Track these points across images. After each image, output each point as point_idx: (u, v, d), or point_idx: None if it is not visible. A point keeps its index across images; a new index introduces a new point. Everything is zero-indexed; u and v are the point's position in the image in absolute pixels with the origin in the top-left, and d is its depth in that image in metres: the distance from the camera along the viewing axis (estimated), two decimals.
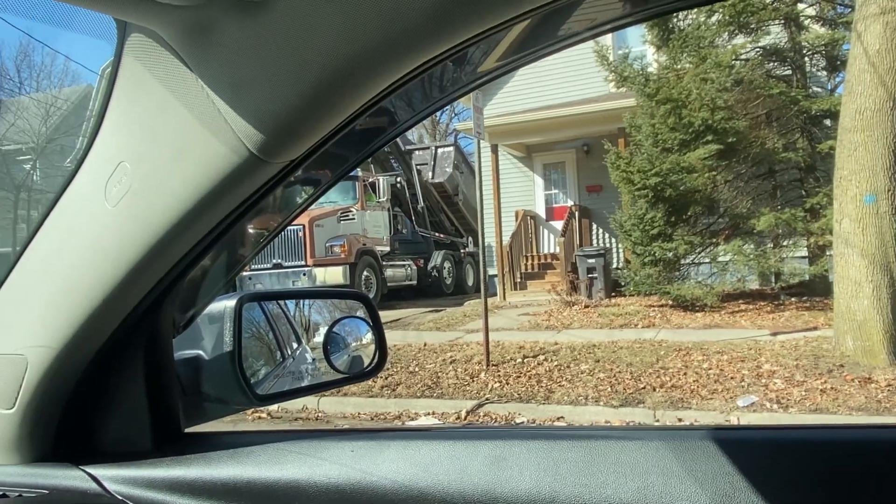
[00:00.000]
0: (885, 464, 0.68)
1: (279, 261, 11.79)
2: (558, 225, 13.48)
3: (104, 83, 0.75)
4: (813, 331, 7.83)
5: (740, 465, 0.69)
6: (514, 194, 14.17)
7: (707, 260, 10.27)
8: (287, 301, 1.23)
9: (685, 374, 6.49)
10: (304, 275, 11.69)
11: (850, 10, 9.83)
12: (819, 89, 11.05)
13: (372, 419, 6.40)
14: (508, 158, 14.33)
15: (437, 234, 16.17)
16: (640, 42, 11.71)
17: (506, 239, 12.83)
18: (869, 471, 0.67)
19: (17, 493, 0.83)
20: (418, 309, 12.12)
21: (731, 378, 6.29)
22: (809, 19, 10.81)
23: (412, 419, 6.27)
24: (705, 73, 9.45)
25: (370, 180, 13.44)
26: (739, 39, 10.19)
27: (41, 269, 0.83)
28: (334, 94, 0.63)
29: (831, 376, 6.07)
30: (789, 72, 10.75)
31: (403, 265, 14.28)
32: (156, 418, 0.89)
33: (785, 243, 10.29)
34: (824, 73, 11.22)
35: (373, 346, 1.17)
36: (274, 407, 6.37)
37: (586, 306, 10.66)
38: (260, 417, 6.29)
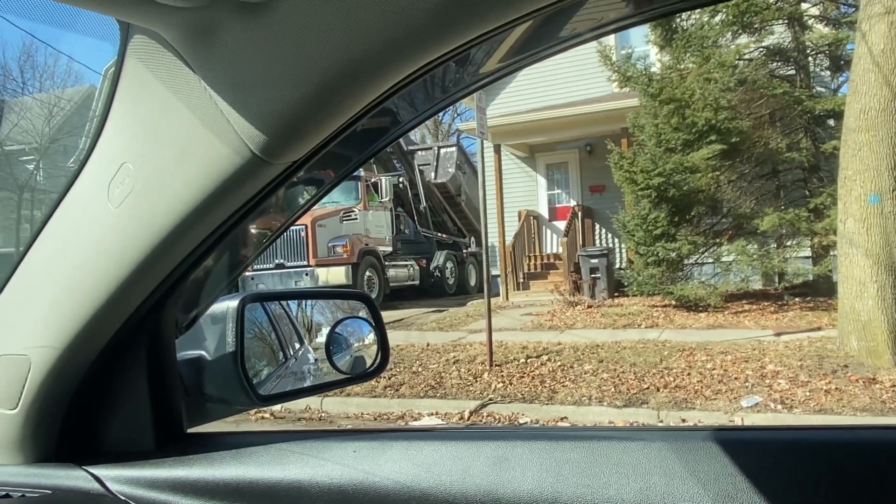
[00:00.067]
0: (889, 465, 0.67)
1: (281, 261, 11.81)
2: (561, 225, 13.47)
3: (107, 84, 0.76)
4: (817, 331, 7.81)
5: (743, 465, 0.69)
6: (516, 194, 14.16)
7: (710, 260, 10.26)
8: (289, 301, 1.23)
9: (689, 374, 6.48)
10: (307, 275, 11.70)
11: (854, 9, 9.80)
12: (823, 89, 11.01)
13: (375, 419, 6.41)
14: (511, 158, 14.33)
15: (439, 234, 16.18)
16: (643, 42, 11.70)
17: (509, 239, 12.83)
18: (872, 472, 0.67)
19: (20, 494, 0.83)
20: (421, 309, 12.12)
21: (735, 378, 6.27)
22: (813, 19, 10.79)
23: (415, 419, 6.27)
24: (709, 73, 9.43)
25: (373, 180, 13.45)
26: (743, 39, 10.17)
27: (44, 270, 0.83)
28: (337, 94, 0.63)
29: (835, 377, 6.05)
30: (793, 72, 10.72)
31: (406, 265, 14.29)
32: (158, 419, 0.89)
33: (788, 243, 10.27)
34: (828, 72, 11.19)
35: (375, 347, 1.17)
36: (277, 407, 6.38)
37: (589, 306, 10.65)
38: (263, 418, 6.29)
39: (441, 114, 27.95)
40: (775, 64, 10.76)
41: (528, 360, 7.38)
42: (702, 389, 6.08)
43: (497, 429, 2.61)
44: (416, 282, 14.57)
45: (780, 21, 10.33)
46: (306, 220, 11.41)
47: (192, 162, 0.70)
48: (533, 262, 13.74)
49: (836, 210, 7.15)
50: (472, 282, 16.38)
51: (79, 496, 0.84)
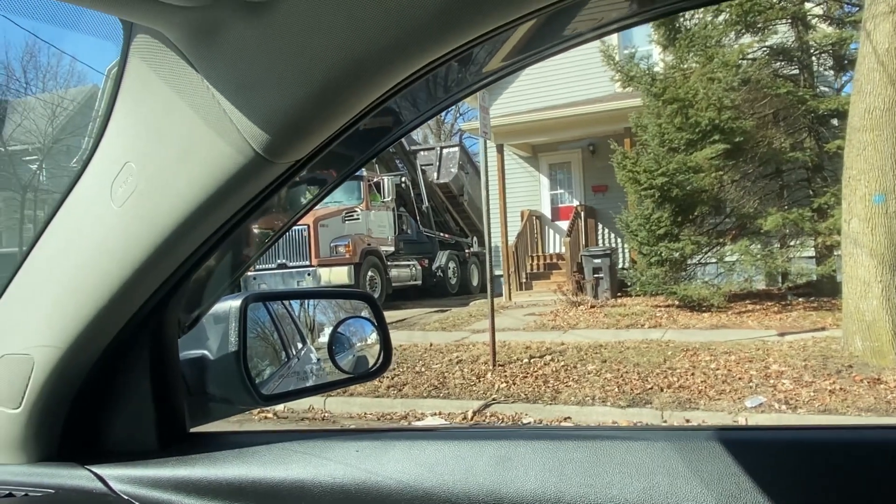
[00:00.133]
0: (893, 465, 0.67)
1: (284, 261, 11.82)
2: (564, 225, 13.47)
3: (110, 84, 0.76)
4: (821, 331, 7.79)
5: (746, 465, 0.69)
6: (519, 194, 14.15)
7: (714, 260, 10.24)
8: (292, 301, 1.23)
9: (693, 374, 6.47)
10: (309, 275, 11.71)
11: (857, 8, 9.78)
12: (826, 89, 10.99)
13: (378, 419, 6.41)
14: (514, 158, 14.32)
15: (441, 234, 16.18)
16: (646, 41, 11.68)
17: (511, 239, 12.83)
18: (876, 471, 0.67)
19: (23, 493, 0.83)
20: (423, 309, 12.12)
21: (739, 379, 6.26)
22: (817, 18, 10.76)
23: (419, 419, 6.27)
24: (712, 73, 9.41)
25: (375, 180, 13.45)
26: (746, 39, 10.14)
27: (47, 269, 0.83)
28: (340, 94, 0.63)
29: (840, 377, 6.04)
30: (796, 71, 10.70)
31: (408, 265, 14.29)
32: (161, 418, 0.89)
33: (792, 243, 10.25)
34: (832, 72, 11.17)
35: (378, 346, 1.17)
36: (280, 407, 6.39)
37: (592, 306, 10.64)
38: (266, 417, 6.30)
39: (443, 114, 27.97)
40: (779, 63, 10.74)
41: (532, 360, 7.38)
42: (706, 390, 6.07)
43: (500, 428, 2.61)
44: (419, 282, 14.57)
45: (784, 20, 10.31)
46: (308, 219, 11.43)
47: (194, 161, 0.70)
48: (536, 262, 13.74)
49: (840, 210, 7.14)
50: (475, 282, 16.38)
51: (82, 495, 0.84)
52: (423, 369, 7.42)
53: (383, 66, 0.61)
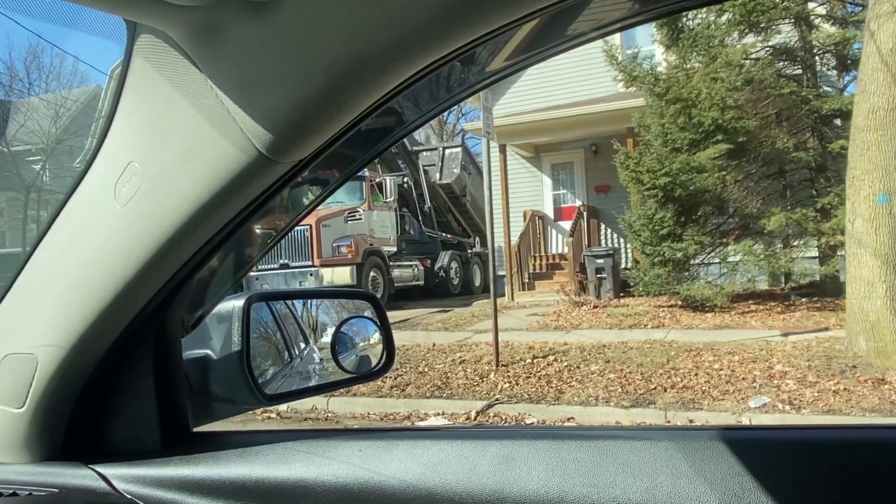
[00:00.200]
0: None
1: (286, 261, 11.83)
2: (567, 225, 13.46)
3: (113, 84, 0.76)
4: (824, 331, 7.77)
5: (749, 465, 0.69)
6: (522, 194, 14.15)
7: (717, 260, 10.22)
8: (295, 301, 1.24)
9: (696, 374, 6.46)
10: (312, 275, 11.72)
11: (861, 8, 9.75)
12: (830, 89, 10.96)
13: (381, 419, 6.41)
14: (516, 158, 14.32)
15: (444, 234, 16.17)
16: (649, 41, 11.67)
17: (514, 239, 12.82)
18: (880, 471, 0.67)
19: (27, 492, 0.84)
20: (426, 309, 12.12)
21: (743, 379, 6.25)
22: (820, 18, 10.74)
23: (422, 419, 6.27)
24: (715, 73, 9.39)
25: (377, 180, 13.46)
26: (749, 38, 10.13)
27: (51, 269, 0.84)
28: (343, 93, 0.63)
29: (844, 377, 6.02)
30: (800, 71, 10.68)
31: (410, 265, 14.29)
32: (164, 417, 0.89)
33: (795, 243, 10.23)
34: (835, 72, 11.14)
35: (380, 346, 1.17)
36: (283, 407, 6.39)
37: (595, 307, 10.63)
38: (269, 417, 6.31)
39: (446, 114, 27.98)
40: (782, 63, 10.72)
41: (535, 361, 7.37)
42: (709, 390, 6.06)
43: (503, 428, 2.61)
44: (421, 282, 14.57)
45: (787, 20, 10.29)
46: (311, 220, 11.43)
47: (198, 161, 0.70)
48: (538, 262, 13.73)
49: (844, 210, 7.12)
50: (477, 282, 16.38)
51: (85, 495, 0.84)
52: (426, 369, 7.42)
53: (386, 66, 0.61)
